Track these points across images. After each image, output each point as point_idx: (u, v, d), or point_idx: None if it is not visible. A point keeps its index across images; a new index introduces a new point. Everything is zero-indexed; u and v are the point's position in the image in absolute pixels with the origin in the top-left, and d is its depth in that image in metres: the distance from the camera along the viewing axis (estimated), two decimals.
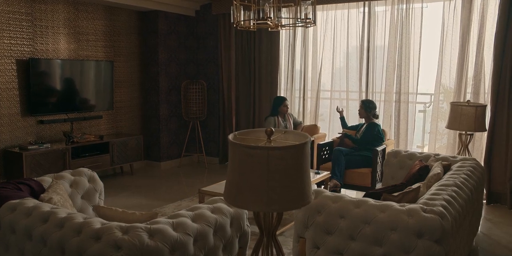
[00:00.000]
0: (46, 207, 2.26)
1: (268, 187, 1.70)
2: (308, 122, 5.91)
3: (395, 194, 2.58)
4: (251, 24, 3.67)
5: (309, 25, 3.66)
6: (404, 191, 2.68)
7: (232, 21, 3.52)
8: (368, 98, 5.37)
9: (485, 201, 4.73)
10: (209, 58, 6.63)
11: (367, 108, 4.86)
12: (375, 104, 4.94)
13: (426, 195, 2.60)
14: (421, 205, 2.33)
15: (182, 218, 2.13)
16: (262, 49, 6.08)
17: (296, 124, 5.56)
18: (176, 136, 6.53)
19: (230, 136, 1.84)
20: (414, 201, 2.58)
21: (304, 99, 5.95)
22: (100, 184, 3.11)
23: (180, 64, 6.48)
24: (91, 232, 1.95)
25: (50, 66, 4.99)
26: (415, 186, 2.77)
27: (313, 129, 5.54)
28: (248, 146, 1.72)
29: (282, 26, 3.58)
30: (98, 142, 5.26)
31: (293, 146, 1.72)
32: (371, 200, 2.45)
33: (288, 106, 5.46)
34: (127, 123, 6.14)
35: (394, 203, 2.39)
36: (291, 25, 3.72)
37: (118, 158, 5.51)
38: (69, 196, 2.80)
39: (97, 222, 2.03)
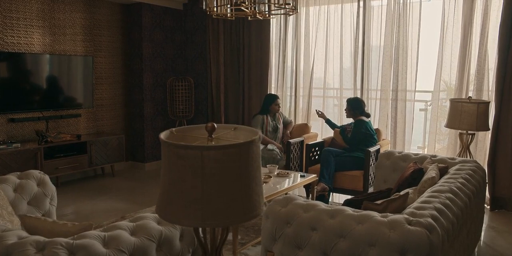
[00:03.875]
0: None
1: (203, 197, 1.37)
2: (300, 121, 5.55)
3: (378, 202, 2.23)
4: (227, 11, 3.34)
5: (291, 13, 3.33)
6: (390, 198, 2.33)
7: (204, 8, 3.18)
8: (364, 96, 5.02)
9: (488, 207, 4.35)
10: (197, 53, 6.31)
11: (351, 106, 4.52)
12: (360, 102, 4.57)
13: (415, 204, 2.25)
14: (406, 216, 1.98)
15: (118, 231, 1.80)
16: (251, 44, 5.74)
17: (287, 123, 5.21)
18: None
19: (163, 134, 1.51)
20: (401, 210, 2.23)
21: (296, 97, 5.60)
22: (52, 188, 2.78)
23: (167, 59, 6.16)
24: (0, 249, 1.62)
25: (22, 61, 4.68)
26: (403, 192, 2.42)
27: (304, 128, 5.18)
28: (177, 145, 1.39)
29: (259, 13, 3.23)
30: (74, 142, 4.95)
31: (234, 145, 1.38)
32: (348, 210, 2.10)
33: (280, 105, 5.11)
34: (109, 122, 5.82)
35: (375, 214, 2.04)
36: (269, 12, 3.37)
37: (97, 159, 5.19)
38: (10, 202, 2.48)
39: (14, 236, 1.70)
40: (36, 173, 2.77)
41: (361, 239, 1.93)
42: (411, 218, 1.95)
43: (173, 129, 1.58)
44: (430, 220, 1.97)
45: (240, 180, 1.40)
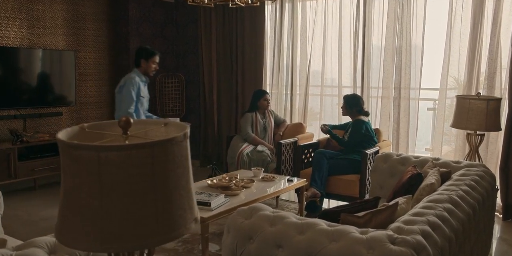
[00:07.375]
0: None
1: (102, 214, 1.03)
2: (297, 121, 5.19)
3: (360, 214, 1.86)
4: None
5: None
6: (376, 209, 1.96)
7: None
8: (364, 94, 4.64)
9: (501, 216, 3.94)
10: (189, 49, 5.98)
11: (347, 103, 4.14)
12: (359, 99, 4.18)
13: (405, 216, 1.88)
14: (389, 232, 1.62)
15: (32, 250, 1.46)
16: (245, 39, 5.40)
17: (280, 122, 4.86)
18: None
19: (67, 131, 1.17)
20: (387, 224, 1.85)
21: (292, 95, 5.24)
22: None
23: None
24: None
25: None
26: (392, 202, 2.05)
27: (299, 128, 4.79)
28: (70, 144, 1.06)
29: None
30: (53, 142, 4.64)
31: (144, 145, 1.04)
32: (322, 223, 1.74)
33: (270, 101, 4.77)
34: (94, 120, 5.50)
35: (353, 229, 1.68)
36: None
37: None
38: None
39: None
40: None
41: None
42: (396, 235, 1.59)
43: (85, 124, 1.24)
44: (419, 237, 1.61)
45: (155, 191, 1.06)
